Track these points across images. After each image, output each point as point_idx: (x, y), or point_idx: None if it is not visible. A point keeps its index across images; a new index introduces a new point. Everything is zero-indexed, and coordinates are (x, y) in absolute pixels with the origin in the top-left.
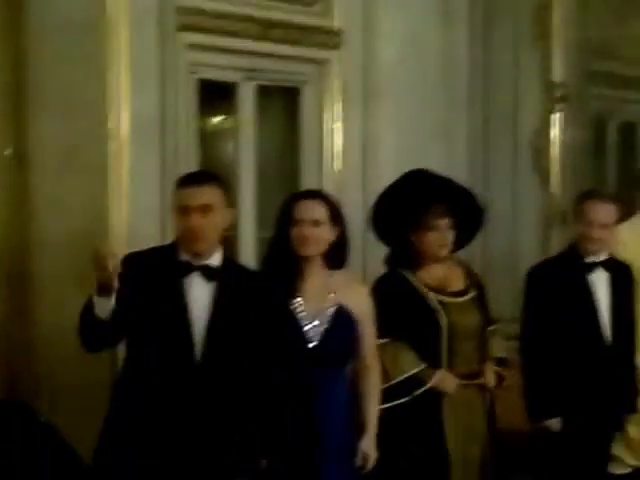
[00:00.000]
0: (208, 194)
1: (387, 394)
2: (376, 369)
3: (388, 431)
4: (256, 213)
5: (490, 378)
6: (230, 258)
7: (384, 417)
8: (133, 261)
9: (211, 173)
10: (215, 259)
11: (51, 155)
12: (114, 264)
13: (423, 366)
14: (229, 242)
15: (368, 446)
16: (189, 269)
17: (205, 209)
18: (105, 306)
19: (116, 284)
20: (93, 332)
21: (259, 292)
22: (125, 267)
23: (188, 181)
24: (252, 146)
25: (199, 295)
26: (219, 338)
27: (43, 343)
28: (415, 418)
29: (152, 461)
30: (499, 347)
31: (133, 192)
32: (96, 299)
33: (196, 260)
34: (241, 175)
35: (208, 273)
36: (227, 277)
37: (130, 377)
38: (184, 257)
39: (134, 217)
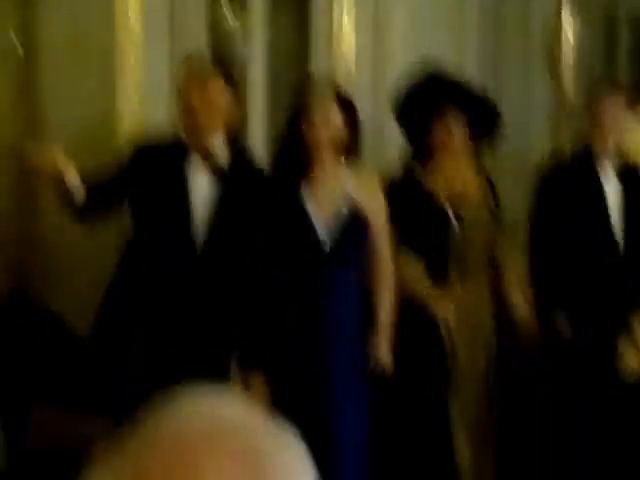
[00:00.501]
0: (211, 82)
1: None
2: (390, 268)
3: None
4: (267, 113)
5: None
6: (238, 154)
7: None
8: (141, 151)
9: (220, 63)
10: (218, 148)
11: (58, 41)
12: (48, 158)
13: (427, 284)
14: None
15: (378, 346)
16: (193, 163)
17: (207, 97)
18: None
19: (70, 178)
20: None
21: (265, 187)
22: (133, 155)
23: (193, 67)
24: (262, 47)
25: (202, 192)
26: (221, 228)
27: (50, 231)
28: (418, 326)
29: (148, 343)
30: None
31: (143, 83)
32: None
33: (200, 152)
34: (251, 76)
35: (212, 168)
36: (231, 174)
37: (133, 257)
38: (191, 153)
39: (144, 108)
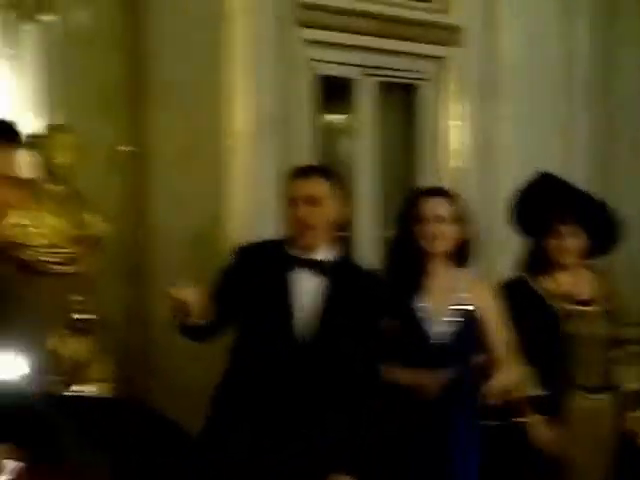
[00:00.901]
0: (316, 186)
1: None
2: (507, 364)
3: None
4: (374, 211)
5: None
6: (344, 255)
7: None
8: (245, 252)
9: (322, 166)
10: (324, 254)
11: (169, 151)
12: (192, 299)
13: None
14: (345, 240)
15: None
16: (296, 263)
17: (312, 200)
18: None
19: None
20: (194, 335)
21: (370, 289)
22: (237, 258)
23: (298, 173)
24: (370, 143)
25: (305, 288)
26: (323, 333)
27: (158, 339)
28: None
29: (252, 441)
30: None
31: (251, 188)
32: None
33: (304, 254)
34: (359, 173)
35: (315, 267)
36: (336, 273)
37: (236, 363)
38: (293, 252)
39: (252, 213)
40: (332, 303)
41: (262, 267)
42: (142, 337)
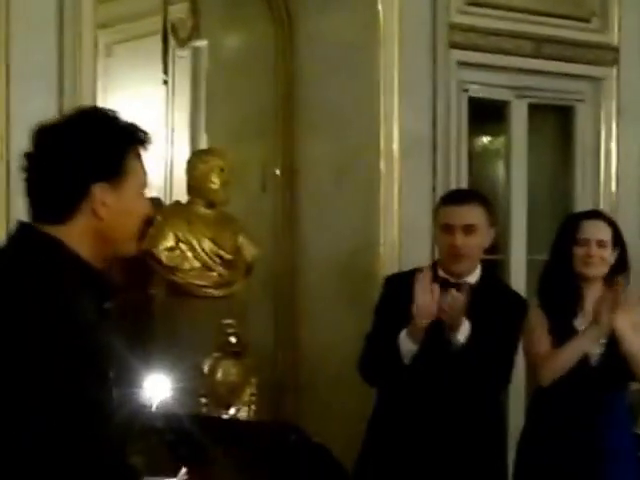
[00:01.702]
0: (473, 214)
1: None
2: None
3: None
4: (527, 235)
5: None
6: (489, 276)
7: None
8: (395, 283)
9: (476, 192)
10: (473, 277)
11: (321, 174)
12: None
13: None
14: (495, 263)
15: None
16: (446, 286)
17: (469, 229)
18: (410, 349)
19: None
20: (389, 375)
21: (514, 309)
22: (386, 288)
23: (453, 199)
24: (523, 166)
25: None
26: (471, 356)
27: (309, 365)
28: None
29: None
30: None
31: (403, 211)
32: (409, 342)
33: (454, 278)
34: (512, 196)
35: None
36: (482, 294)
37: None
38: (442, 274)
39: (404, 236)
40: (477, 322)
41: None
42: (291, 360)
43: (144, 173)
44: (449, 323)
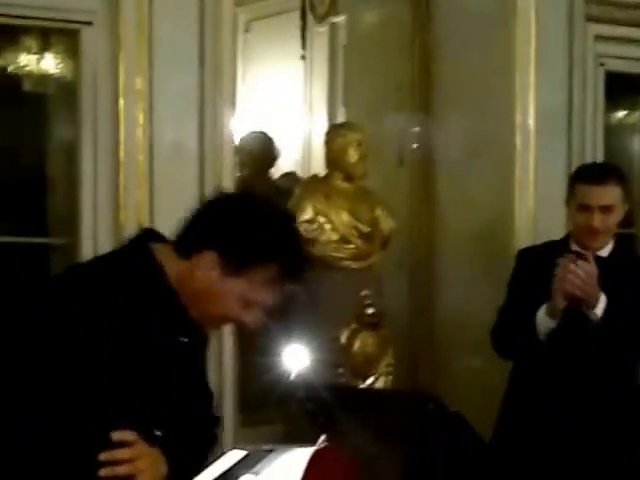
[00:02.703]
0: (611, 194)
1: None
2: None
3: None
4: None
5: None
6: (621, 249)
7: None
8: (528, 256)
9: (613, 168)
10: (605, 250)
11: (456, 148)
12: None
13: None
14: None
15: None
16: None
17: (606, 209)
18: (548, 326)
19: None
20: (524, 350)
21: None
22: (519, 262)
23: (592, 178)
24: None
25: None
26: (609, 331)
27: (445, 336)
28: None
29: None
30: None
31: (539, 185)
32: (547, 318)
33: (593, 252)
34: None
35: (598, 264)
36: (616, 267)
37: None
38: (575, 247)
39: (539, 210)
40: (613, 296)
41: (547, 267)
42: (427, 331)
43: (270, 298)
44: (586, 298)
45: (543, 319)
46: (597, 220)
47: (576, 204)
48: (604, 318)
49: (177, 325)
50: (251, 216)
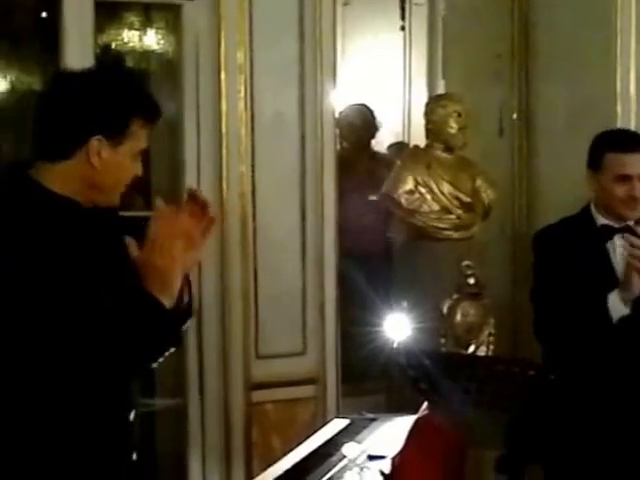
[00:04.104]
0: None
1: None
2: None
3: None
4: None
5: None
6: None
7: None
8: (548, 238)
9: None
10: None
11: (556, 118)
12: None
13: None
14: None
15: None
16: (612, 232)
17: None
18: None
19: None
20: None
21: None
22: (542, 246)
23: (627, 146)
24: None
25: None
26: None
27: None
28: None
29: None
30: None
31: None
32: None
33: (618, 222)
34: None
35: (629, 232)
36: None
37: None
38: (603, 221)
39: None
40: None
41: (570, 245)
42: (528, 301)
43: (145, 143)
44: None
45: (615, 305)
46: (637, 188)
47: (612, 175)
48: None
49: (81, 222)
50: (101, 86)
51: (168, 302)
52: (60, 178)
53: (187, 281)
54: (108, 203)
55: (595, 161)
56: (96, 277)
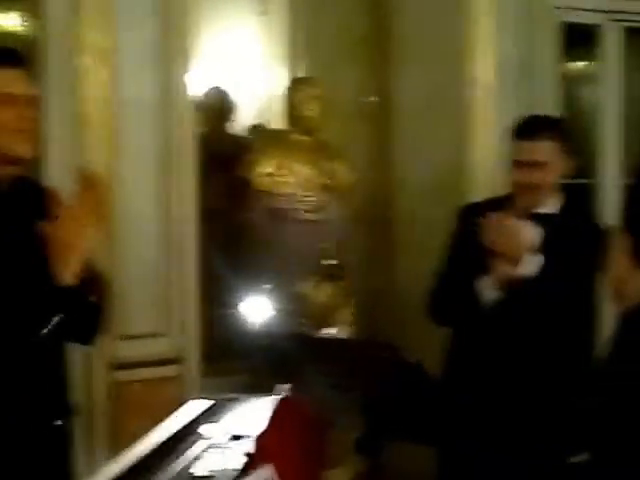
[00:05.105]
0: (542, 150)
1: None
2: None
3: None
4: (620, 160)
5: None
6: (570, 205)
7: None
8: (468, 214)
9: (548, 122)
10: (550, 207)
11: (413, 101)
12: None
13: None
14: (584, 188)
15: None
16: (522, 217)
17: (537, 165)
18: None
19: None
20: (466, 319)
21: (591, 238)
22: (460, 220)
23: (522, 133)
24: (617, 91)
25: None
26: (539, 279)
27: (403, 288)
28: None
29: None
30: None
31: (494, 138)
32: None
33: (530, 208)
34: (604, 121)
35: (538, 220)
36: (560, 225)
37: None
38: (519, 205)
39: (492, 164)
40: (548, 253)
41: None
42: (384, 283)
43: (2, 85)
44: (508, 256)
45: (484, 289)
46: (527, 176)
47: (510, 160)
48: (538, 279)
49: None
50: None
51: (69, 278)
52: None
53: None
54: (10, 156)
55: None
56: None
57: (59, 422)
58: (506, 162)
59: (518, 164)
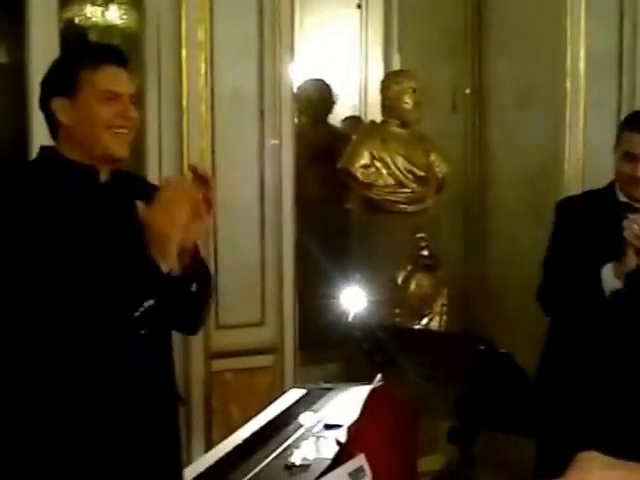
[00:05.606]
0: None
1: None
2: None
3: None
4: None
5: None
6: None
7: None
8: (568, 207)
9: None
10: None
11: (507, 93)
12: None
13: None
14: None
15: None
16: (629, 210)
17: None
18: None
19: None
20: (587, 309)
21: None
22: (560, 214)
23: (637, 125)
24: None
25: None
26: None
27: (497, 277)
28: None
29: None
30: None
31: (588, 129)
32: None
33: (636, 201)
34: None
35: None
36: None
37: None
38: (623, 198)
39: (588, 154)
40: None
41: (592, 218)
42: (480, 273)
43: (106, 82)
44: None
45: (609, 278)
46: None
47: (621, 152)
48: None
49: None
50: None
51: (165, 266)
52: (66, 147)
53: (195, 252)
54: (108, 154)
55: (617, 138)
56: (91, 234)
57: (170, 409)
58: (614, 154)
59: (630, 156)
